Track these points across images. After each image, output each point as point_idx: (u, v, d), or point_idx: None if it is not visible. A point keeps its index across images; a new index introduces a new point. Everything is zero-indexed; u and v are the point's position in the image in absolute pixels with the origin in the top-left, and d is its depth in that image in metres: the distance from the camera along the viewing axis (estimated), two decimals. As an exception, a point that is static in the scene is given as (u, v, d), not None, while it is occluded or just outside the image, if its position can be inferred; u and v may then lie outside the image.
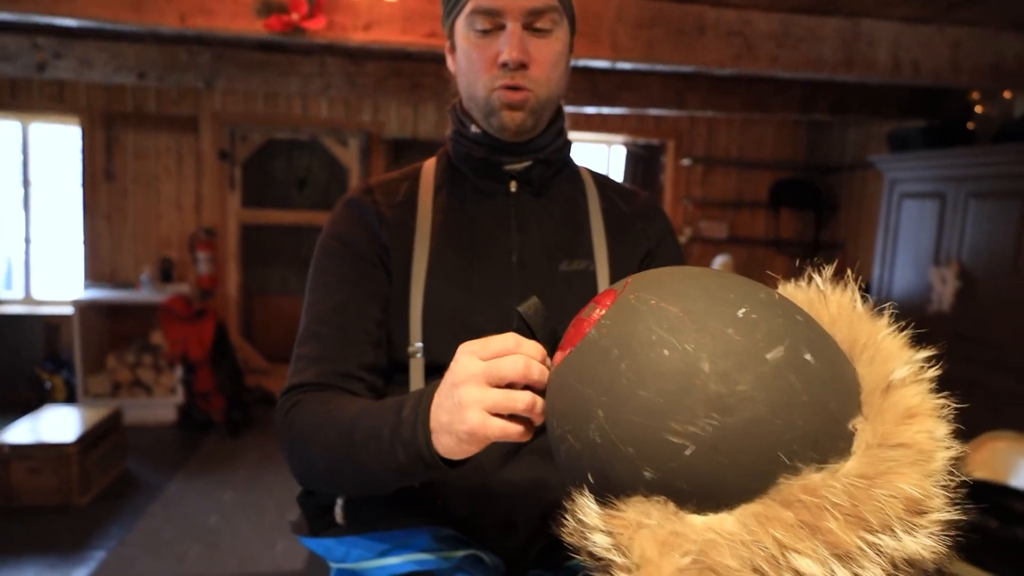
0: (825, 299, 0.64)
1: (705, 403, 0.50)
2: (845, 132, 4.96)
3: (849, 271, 0.70)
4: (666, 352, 0.53)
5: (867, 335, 0.61)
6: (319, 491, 0.93)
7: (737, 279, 0.59)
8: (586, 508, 0.52)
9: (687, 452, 0.50)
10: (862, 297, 0.66)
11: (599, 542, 0.50)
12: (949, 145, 3.61)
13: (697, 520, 0.49)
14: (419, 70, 3.71)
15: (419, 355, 0.88)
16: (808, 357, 0.53)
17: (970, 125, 3.79)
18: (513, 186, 0.94)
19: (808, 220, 5.13)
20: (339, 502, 0.92)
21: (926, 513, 0.49)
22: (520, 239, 0.92)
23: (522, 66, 0.87)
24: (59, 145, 4.63)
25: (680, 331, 0.53)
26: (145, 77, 3.38)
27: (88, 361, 4.14)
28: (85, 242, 4.51)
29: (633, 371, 0.53)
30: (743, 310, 0.54)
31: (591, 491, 0.53)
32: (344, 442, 0.75)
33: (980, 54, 2.49)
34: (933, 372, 0.58)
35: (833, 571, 0.45)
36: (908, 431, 0.52)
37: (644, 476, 0.50)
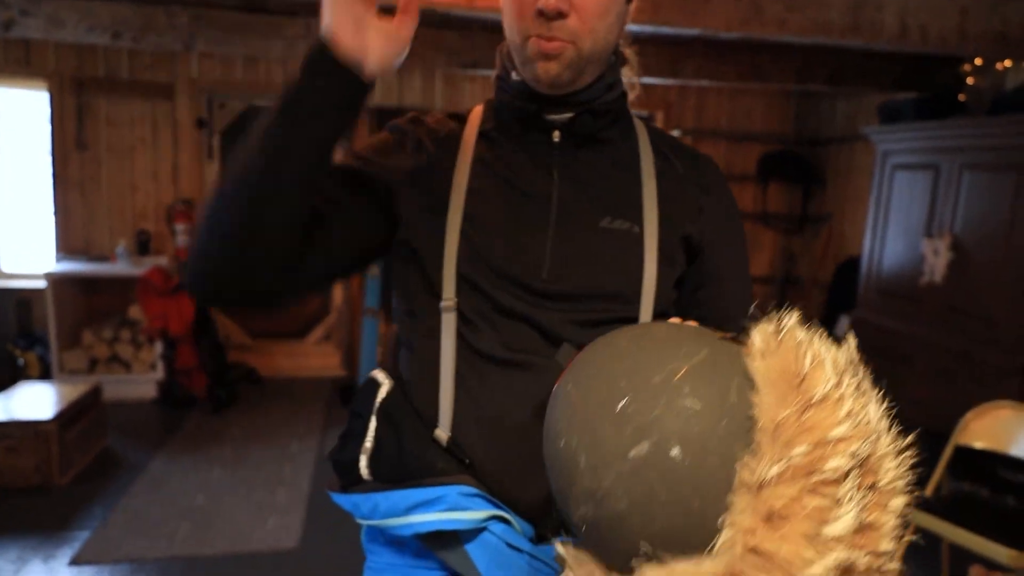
0: (779, 349, 0.60)
1: (582, 494, 0.58)
2: (834, 104, 4.93)
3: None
4: (561, 444, 0.62)
5: (801, 402, 0.56)
6: (217, 270, 0.76)
7: (669, 344, 0.62)
8: None
9: (583, 528, 0.60)
10: (830, 338, 0.63)
11: None
12: (941, 117, 3.60)
13: None
14: (407, 35, 3.58)
15: (452, 310, 0.84)
16: (675, 453, 0.55)
17: (961, 97, 3.79)
18: (556, 136, 0.89)
19: (796, 193, 5.12)
20: (363, 456, 0.90)
21: None
22: (561, 191, 0.87)
23: (560, 15, 0.80)
24: (26, 112, 4.42)
25: (572, 423, 0.61)
26: (120, 37, 3.21)
27: (63, 337, 3.99)
28: (57, 214, 4.33)
29: (548, 458, 0.65)
30: (623, 402, 0.58)
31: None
32: (241, 147, 0.73)
33: (987, 21, 2.46)
34: (850, 447, 0.55)
35: None
36: (772, 537, 0.52)
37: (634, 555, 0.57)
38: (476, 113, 0.94)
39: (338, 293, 4.91)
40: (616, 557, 0.58)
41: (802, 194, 5.09)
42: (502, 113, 0.91)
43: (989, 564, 1.87)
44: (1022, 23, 2.49)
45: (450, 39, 3.52)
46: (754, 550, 0.52)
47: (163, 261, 4.32)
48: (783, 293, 5.23)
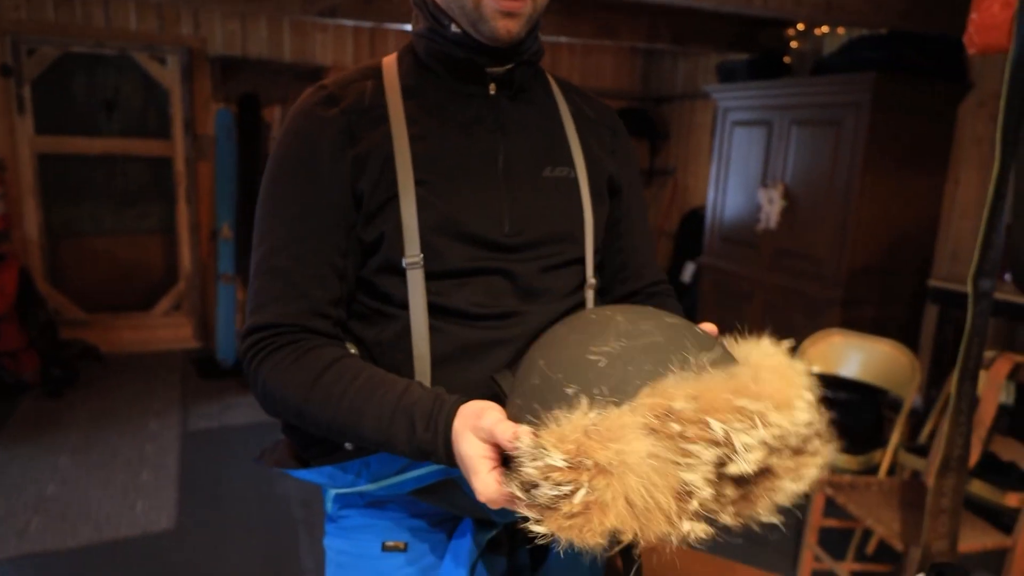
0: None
1: (616, 335, 0.65)
2: (676, 63, 5.24)
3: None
4: (593, 316, 0.71)
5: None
6: None
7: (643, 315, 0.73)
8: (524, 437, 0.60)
9: (601, 364, 0.63)
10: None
11: (532, 451, 0.59)
12: (771, 77, 3.95)
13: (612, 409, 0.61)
14: (255, -22, 3.34)
15: (419, 266, 0.82)
16: (699, 330, 0.70)
17: (787, 59, 4.18)
18: (492, 88, 0.88)
19: (643, 148, 5.41)
20: None
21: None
22: (503, 143, 0.88)
23: None
24: None
25: (608, 308, 0.73)
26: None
27: None
28: None
29: (567, 327, 0.71)
30: (593, 346, 0.68)
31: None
32: (344, 429, 0.76)
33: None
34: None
35: (680, 432, 0.58)
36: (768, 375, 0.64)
37: (567, 392, 0.62)
38: (390, 69, 0.89)
39: (186, 259, 4.56)
40: (636, 380, 0.63)
41: (648, 149, 5.39)
42: (435, 66, 0.88)
43: (830, 469, 2.17)
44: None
45: (304, -16, 3.33)
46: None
47: (-28, 230, 3.78)
48: (634, 243, 5.54)
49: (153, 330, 4.56)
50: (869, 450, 2.45)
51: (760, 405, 0.59)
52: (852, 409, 3.33)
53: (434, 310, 0.83)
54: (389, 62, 0.91)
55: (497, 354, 0.84)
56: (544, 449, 0.57)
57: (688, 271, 4.85)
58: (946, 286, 3.08)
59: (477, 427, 0.65)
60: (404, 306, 0.83)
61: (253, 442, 3.15)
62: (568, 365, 0.65)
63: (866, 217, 3.34)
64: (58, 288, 4.38)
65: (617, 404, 0.60)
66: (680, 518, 0.57)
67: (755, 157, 3.87)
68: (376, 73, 0.89)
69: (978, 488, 2.11)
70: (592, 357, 0.64)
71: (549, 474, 0.57)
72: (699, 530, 0.58)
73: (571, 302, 0.91)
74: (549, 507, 0.57)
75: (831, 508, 2.08)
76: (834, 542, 2.45)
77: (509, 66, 0.87)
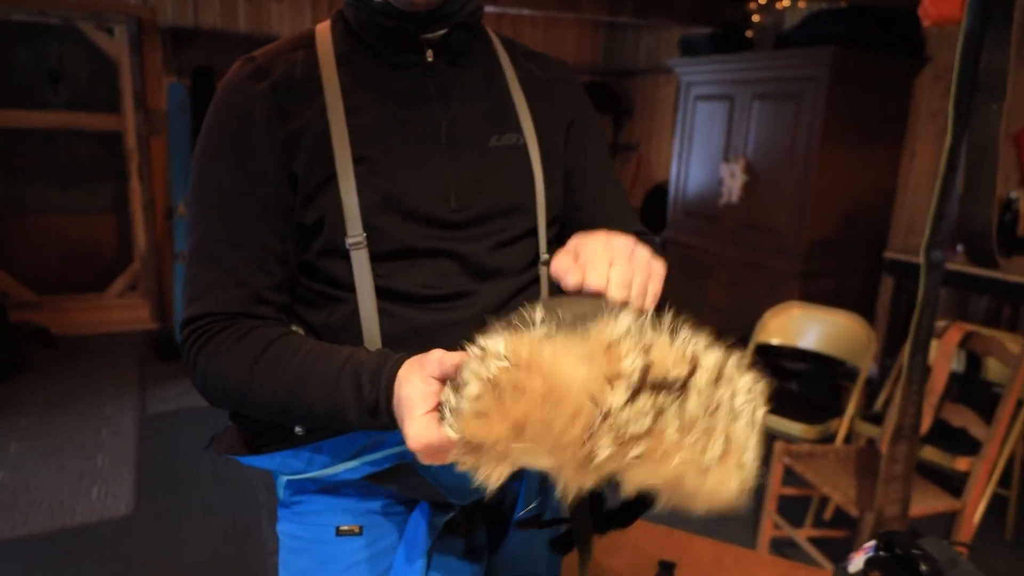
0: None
1: (582, 304, 0.64)
2: (639, 37, 5.21)
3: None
4: (554, 300, 0.68)
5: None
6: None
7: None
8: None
9: (566, 319, 0.62)
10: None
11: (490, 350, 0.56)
12: (733, 51, 3.96)
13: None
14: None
15: (362, 246, 0.78)
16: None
17: (749, 33, 4.18)
18: (430, 55, 0.83)
19: (607, 124, 5.39)
20: None
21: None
22: (445, 113, 0.83)
23: None
24: None
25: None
26: None
27: None
28: None
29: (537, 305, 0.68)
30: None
31: None
32: (290, 402, 0.73)
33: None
34: None
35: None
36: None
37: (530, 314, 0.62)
38: (323, 38, 0.84)
39: (140, 238, 4.43)
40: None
41: (612, 124, 5.38)
42: (366, 36, 0.83)
43: (788, 439, 2.21)
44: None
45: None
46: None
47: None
48: (598, 219, 5.55)
49: (108, 311, 4.43)
50: (826, 419, 2.50)
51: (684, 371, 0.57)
52: (810, 379, 3.40)
53: (382, 293, 0.79)
54: (323, 29, 0.85)
55: (450, 336, 0.79)
56: (485, 348, 0.56)
57: (652, 246, 4.88)
58: (901, 257, 3.15)
59: (424, 363, 0.63)
60: (351, 289, 0.80)
61: (214, 425, 3.07)
62: (536, 305, 0.64)
63: (825, 190, 3.39)
64: (5, 269, 4.23)
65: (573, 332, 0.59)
66: (593, 417, 0.54)
67: (717, 132, 3.89)
68: (308, 42, 0.83)
69: (930, 453, 2.18)
70: (559, 312, 0.63)
71: (484, 367, 0.55)
72: (604, 446, 0.54)
73: (525, 279, 0.88)
74: (469, 405, 0.55)
75: (790, 477, 2.12)
76: (793, 510, 2.50)
77: (443, 31, 0.82)
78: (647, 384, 0.55)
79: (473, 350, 0.57)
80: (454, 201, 0.81)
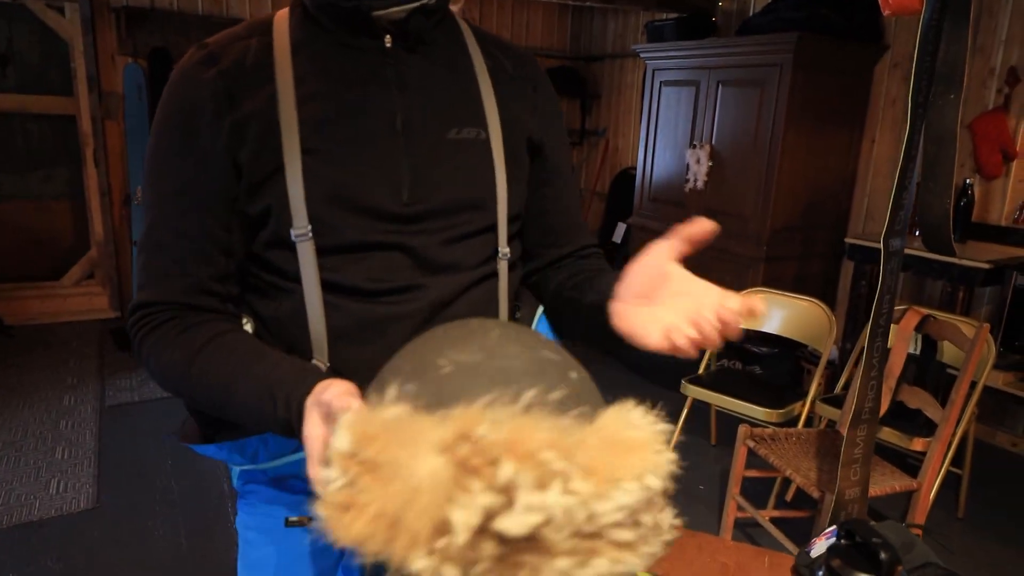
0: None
1: (479, 347, 0.62)
2: (606, 22, 5.20)
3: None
4: (475, 324, 0.67)
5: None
6: None
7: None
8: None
9: (444, 371, 0.60)
10: None
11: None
12: (697, 36, 3.97)
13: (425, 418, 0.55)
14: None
15: (307, 238, 0.76)
16: (574, 375, 0.64)
17: (714, 19, 4.20)
18: (388, 40, 0.80)
19: (574, 108, 5.39)
20: None
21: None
22: (402, 102, 0.80)
23: None
24: None
25: (494, 322, 0.70)
26: None
27: None
28: None
29: (449, 325, 0.68)
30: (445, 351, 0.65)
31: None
32: (222, 405, 0.75)
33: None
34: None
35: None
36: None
37: (407, 389, 0.60)
38: (281, 23, 0.82)
39: (97, 225, 4.31)
40: (469, 399, 0.57)
41: (580, 109, 5.37)
42: (323, 18, 0.80)
43: (752, 423, 2.25)
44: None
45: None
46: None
47: None
48: (566, 204, 5.56)
49: (64, 300, 4.32)
50: (789, 403, 2.56)
51: (566, 466, 0.50)
52: (774, 363, 3.47)
53: (328, 286, 0.78)
54: (281, 16, 0.83)
55: (396, 329, 0.79)
56: (341, 427, 0.53)
57: (619, 232, 4.91)
58: (860, 242, 3.21)
59: (320, 401, 0.62)
60: (298, 280, 0.78)
61: (176, 415, 3.03)
62: (416, 360, 0.63)
63: (788, 177, 3.43)
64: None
65: (430, 412, 0.55)
66: (423, 551, 0.50)
67: (683, 117, 3.91)
68: (265, 29, 0.81)
69: (888, 435, 2.24)
70: (441, 361, 0.61)
71: (333, 453, 0.53)
72: (436, 571, 0.50)
73: (479, 274, 0.86)
74: (326, 490, 0.53)
75: (753, 459, 2.16)
76: (756, 492, 2.56)
77: (399, 12, 0.79)
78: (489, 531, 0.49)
79: (344, 418, 0.55)
80: (406, 194, 0.79)
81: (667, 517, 0.55)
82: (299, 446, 0.80)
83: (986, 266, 2.73)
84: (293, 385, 0.68)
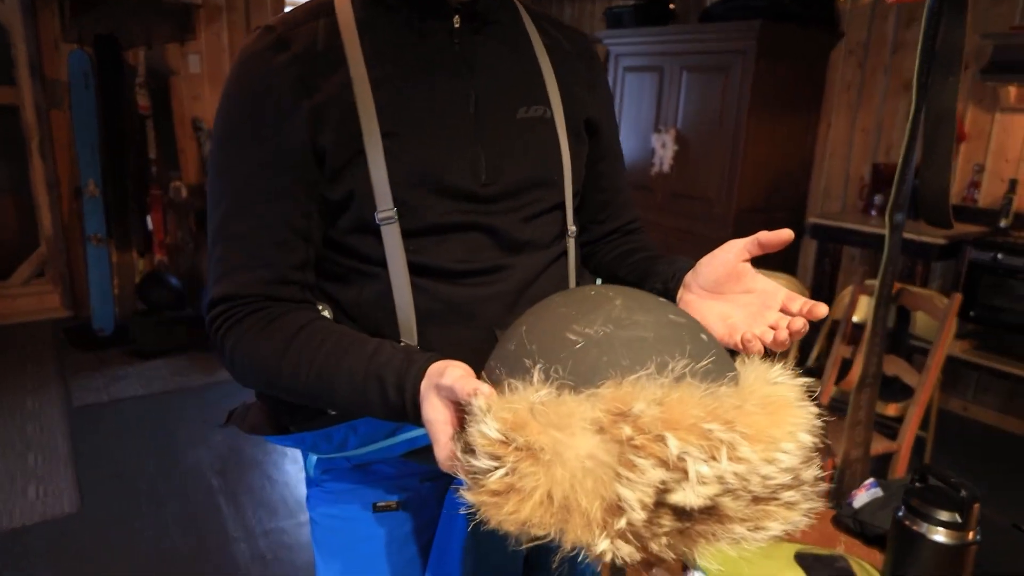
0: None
1: (605, 319, 0.60)
2: (563, 9, 5.23)
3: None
4: (592, 293, 0.66)
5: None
6: None
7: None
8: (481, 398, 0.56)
9: (576, 346, 0.59)
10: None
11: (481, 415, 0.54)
12: (655, 23, 4.05)
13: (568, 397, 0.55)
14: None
15: (393, 221, 0.77)
16: (704, 337, 0.63)
17: (671, 6, 4.28)
18: (456, 21, 0.81)
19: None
20: None
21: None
22: (473, 82, 0.81)
23: None
24: None
25: (611, 289, 0.67)
26: None
27: None
28: None
29: (563, 297, 0.67)
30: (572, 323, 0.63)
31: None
32: (318, 395, 0.74)
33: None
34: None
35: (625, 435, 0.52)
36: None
37: (527, 365, 0.59)
38: (343, 5, 0.79)
39: (46, 220, 4.11)
40: (605, 374, 0.58)
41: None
42: (388, 1, 0.79)
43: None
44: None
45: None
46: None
47: None
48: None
49: (13, 300, 4.10)
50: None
51: (731, 435, 0.51)
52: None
53: (414, 268, 0.78)
54: None
55: (485, 310, 0.81)
56: (485, 413, 0.53)
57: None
58: (824, 222, 3.35)
59: (440, 386, 0.61)
60: (382, 264, 0.78)
61: (149, 413, 2.95)
62: (544, 337, 0.61)
63: (752, 159, 3.55)
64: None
65: (574, 390, 0.55)
66: (602, 533, 0.50)
67: (648, 102, 3.98)
68: (328, 9, 0.79)
69: (865, 402, 2.36)
70: (571, 336, 0.59)
71: (482, 441, 0.53)
72: (623, 552, 0.51)
73: (555, 252, 0.88)
74: (477, 476, 0.53)
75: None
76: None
77: None
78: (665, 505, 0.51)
79: (479, 402, 0.55)
80: (484, 174, 0.80)
81: (815, 471, 0.58)
82: (393, 431, 0.81)
83: (942, 241, 2.91)
84: (401, 369, 0.67)
